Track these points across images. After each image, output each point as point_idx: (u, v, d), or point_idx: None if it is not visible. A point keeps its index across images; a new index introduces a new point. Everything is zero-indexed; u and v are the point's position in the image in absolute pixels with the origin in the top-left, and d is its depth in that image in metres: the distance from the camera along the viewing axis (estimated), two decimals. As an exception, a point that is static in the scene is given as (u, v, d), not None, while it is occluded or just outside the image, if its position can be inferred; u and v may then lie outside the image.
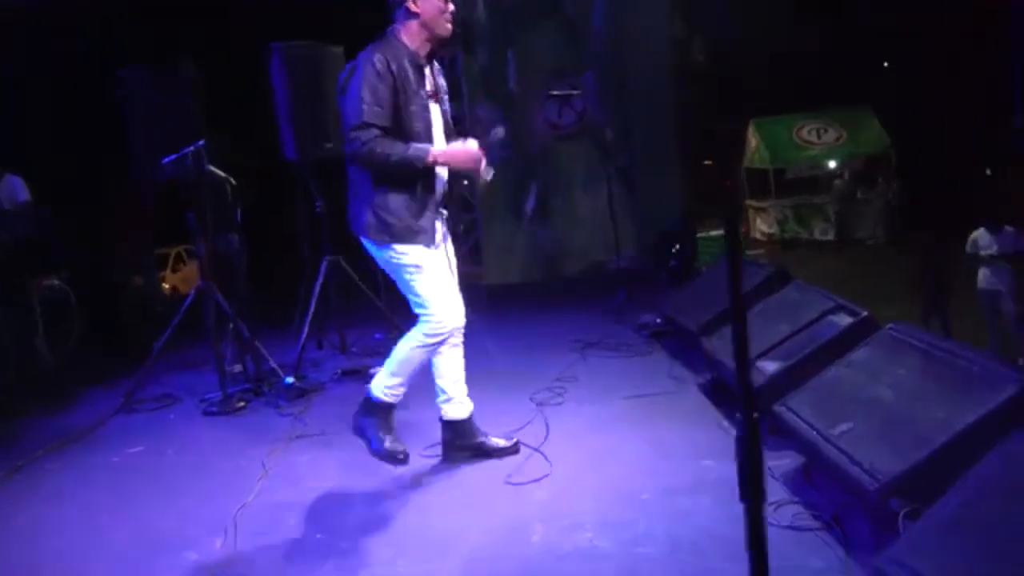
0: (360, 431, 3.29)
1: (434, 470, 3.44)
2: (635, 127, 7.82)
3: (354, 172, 3.17)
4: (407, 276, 3.14)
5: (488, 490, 3.17)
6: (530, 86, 7.90)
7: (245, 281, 4.84)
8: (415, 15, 3.08)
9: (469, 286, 7.45)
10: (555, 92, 7.23)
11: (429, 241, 3.14)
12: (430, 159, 3.06)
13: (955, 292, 7.94)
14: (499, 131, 3.40)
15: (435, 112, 3.19)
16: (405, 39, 3.11)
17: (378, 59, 3.01)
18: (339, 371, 5.05)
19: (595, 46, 7.85)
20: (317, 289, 5.29)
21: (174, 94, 4.88)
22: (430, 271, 3.14)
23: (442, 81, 3.30)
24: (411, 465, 3.33)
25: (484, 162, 3.21)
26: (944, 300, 7.94)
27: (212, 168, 4.51)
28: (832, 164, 19.08)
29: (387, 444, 3.24)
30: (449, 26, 3.15)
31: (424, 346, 3.17)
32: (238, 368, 5.01)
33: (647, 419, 3.73)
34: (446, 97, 3.29)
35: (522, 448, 3.48)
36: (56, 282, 6.11)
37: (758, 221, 19.68)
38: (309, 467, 3.63)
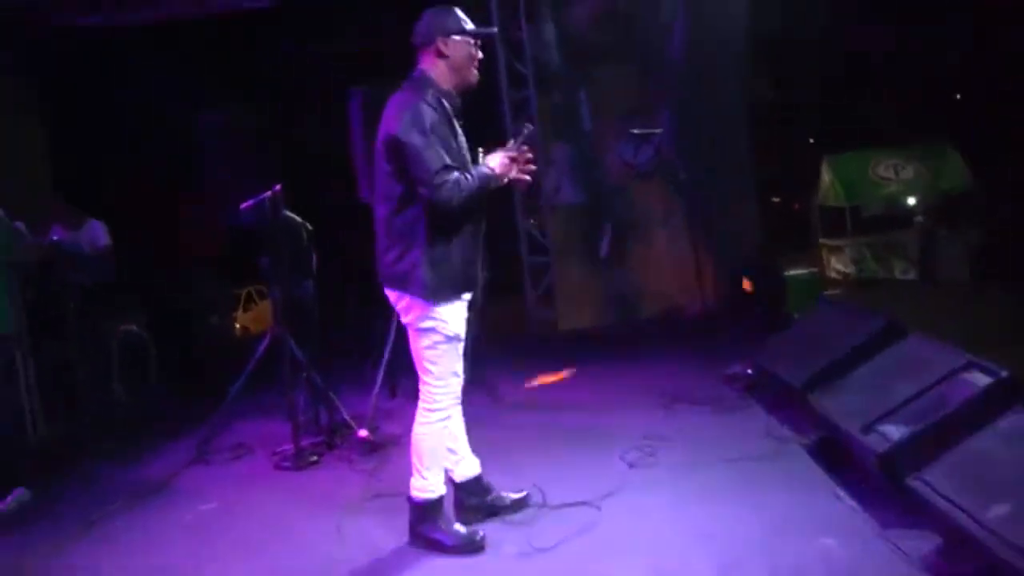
0: (424, 540, 3.17)
1: (510, 537, 3.19)
2: (712, 167, 7.55)
3: (401, 222, 3.02)
4: (433, 343, 3.05)
5: (577, 562, 2.91)
6: (604, 126, 7.73)
7: (319, 327, 4.70)
8: (445, 57, 3.02)
9: (545, 336, 7.36)
10: (635, 131, 7.03)
11: (474, 287, 3.14)
12: (493, 173, 3.04)
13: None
14: (528, 127, 3.30)
15: (467, 153, 3.14)
16: (435, 78, 3.04)
17: (430, 98, 2.96)
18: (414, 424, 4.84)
19: (670, 85, 7.65)
20: (391, 334, 5.14)
21: (252, 138, 4.82)
22: (457, 342, 3.08)
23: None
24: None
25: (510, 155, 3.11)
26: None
27: (289, 213, 4.42)
28: (911, 201, 18.38)
29: (460, 534, 3.15)
30: (476, 75, 3.11)
31: (439, 422, 3.14)
32: (310, 417, 4.87)
33: (752, 486, 3.42)
34: (464, 144, 3.18)
35: (614, 515, 3.22)
36: (134, 327, 6.11)
37: (833, 260, 19.01)
38: (384, 530, 3.43)
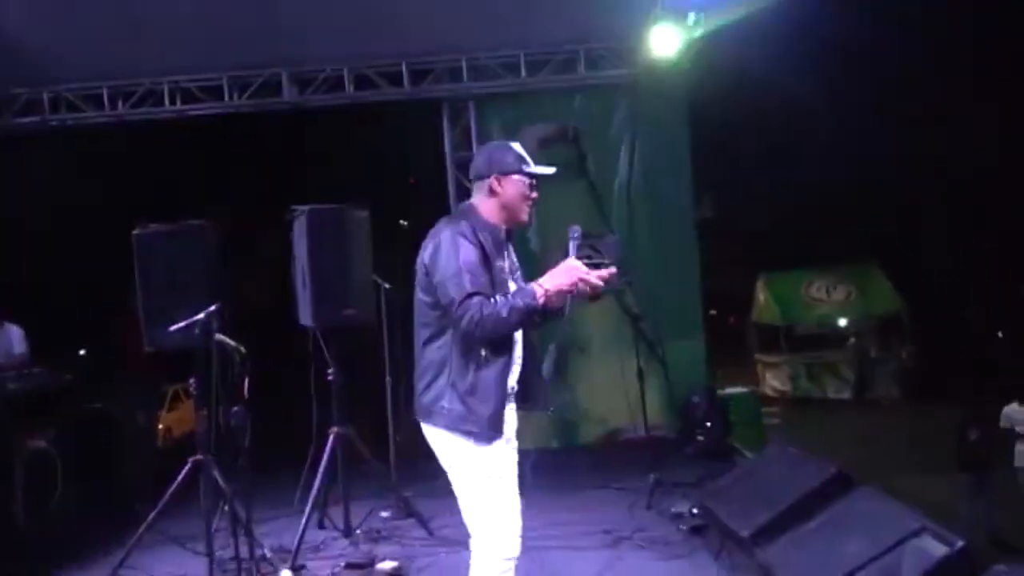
0: None
1: None
2: (660, 290, 7.61)
3: (431, 352, 2.89)
4: (481, 483, 2.83)
5: None
6: (551, 247, 7.77)
7: (247, 455, 4.40)
8: (496, 194, 2.95)
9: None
10: (585, 261, 7.07)
11: (509, 432, 2.92)
12: (540, 294, 2.77)
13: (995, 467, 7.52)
14: (575, 230, 3.05)
15: (511, 287, 2.97)
16: (482, 212, 2.96)
17: (465, 228, 2.85)
18: (342, 563, 4.54)
19: (619, 206, 7.79)
20: (324, 463, 4.88)
21: (190, 256, 4.64)
22: (507, 479, 2.87)
23: (515, 260, 3.13)
24: None
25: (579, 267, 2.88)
26: (986, 477, 7.49)
27: (221, 337, 4.20)
28: (842, 322, 18.96)
29: None
30: (528, 213, 3.03)
31: (505, 570, 2.83)
32: (230, 553, 4.51)
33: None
34: (519, 275, 3.08)
35: None
36: (43, 444, 5.67)
37: (769, 376, 19.33)
38: None
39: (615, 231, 7.73)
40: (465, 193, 7.65)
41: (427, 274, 2.87)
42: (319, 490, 4.90)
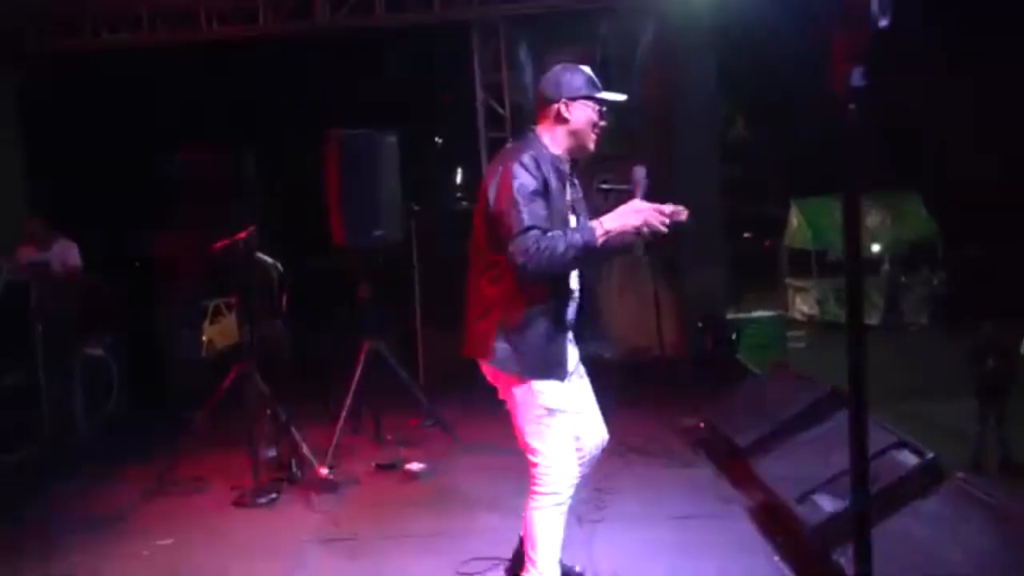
0: None
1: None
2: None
3: (483, 285, 2.83)
4: (535, 418, 2.79)
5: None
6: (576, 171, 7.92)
7: (286, 365, 4.79)
8: (564, 120, 2.83)
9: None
10: (604, 186, 7.21)
11: (564, 373, 2.84)
12: (600, 233, 2.66)
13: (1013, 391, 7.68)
14: (640, 171, 2.93)
15: (572, 224, 2.86)
16: (548, 142, 2.86)
17: (527, 159, 2.72)
18: (373, 464, 4.94)
19: (644, 131, 7.86)
20: (357, 374, 5.25)
21: (232, 178, 4.93)
22: (563, 417, 2.82)
23: (580, 193, 3.03)
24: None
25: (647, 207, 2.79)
26: (1003, 400, 7.66)
27: (261, 255, 4.52)
28: (875, 248, 18.84)
29: None
30: (595, 140, 2.90)
31: (553, 507, 2.83)
32: (272, 453, 4.94)
33: (693, 546, 3.57)
34: (583, 209, 3.01)
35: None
36: (99, 351, 6.14)
37: (798, 300, 19.41)
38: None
39: (638, 156, 7.85)
40: (494, 116, 7.85)
41: (485, 204, 2.76)
42: (352, 399, 5.28)
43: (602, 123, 2.90)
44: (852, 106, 1.74)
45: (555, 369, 2.80)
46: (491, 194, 2.73)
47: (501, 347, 2.77)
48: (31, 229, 6.64)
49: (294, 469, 4.75)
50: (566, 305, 2.86)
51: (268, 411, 4.89)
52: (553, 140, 2.85)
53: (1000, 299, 14.50)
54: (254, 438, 4.69)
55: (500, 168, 2.75)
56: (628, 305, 7.60)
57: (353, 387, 5.24)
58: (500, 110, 7.87)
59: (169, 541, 4.01)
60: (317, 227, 5.28)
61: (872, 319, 18.15)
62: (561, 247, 2.60)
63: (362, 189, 5.00)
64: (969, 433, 7.94)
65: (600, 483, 4.35)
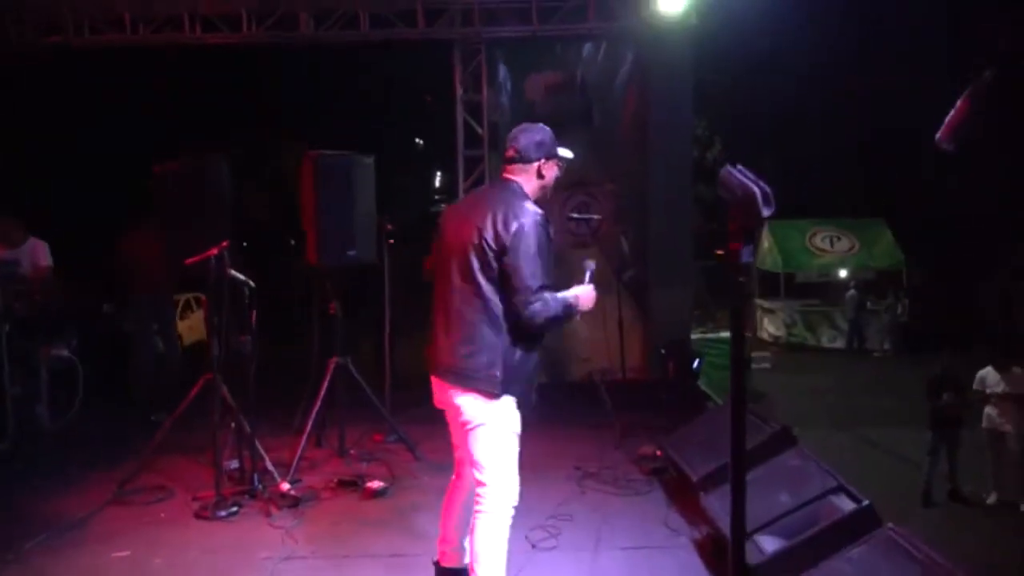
0: None
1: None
2: (651, 240, 7.91)
3: (487, 323, 3.05)
4: (506, 435, 3.11)
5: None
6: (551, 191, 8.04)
7: (252, 382, 4.84)
8: (542, 177, 3.23)
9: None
10: (574, 215, 7.35)
11: (533, 401, 3.22)
12: (578, 307, 3.21)
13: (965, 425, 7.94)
14: (590, 264, 3.45)
15: None
16: (528, 192, 3.20)
17: (543, 220, 3.09)
18: (335, 480, 5.02)
19: (619, 153, 8.01)
20: (323, 389, 5.33)
21: (206, 191, 4.99)
22: (516, 439, 3.16)
23: None
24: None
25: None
26: (955, 433, 7.92)
27: (233, 272, 4.58)
28: (843, 274, 19.22)
29: None
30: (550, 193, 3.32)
31: (507, 515, 3.15)
32: (235, 464, 5.00)
33: (640, 577, 3.70)
34: None
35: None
36: (65, 352, 6.16)
37: (766, 322, 19.74)
38: (296, 596, 3.61)
39: (613, 181, 8.01)
40: (471, 135, 7.95)
41: (497, 249, 3.00)
42: (318, 413, 5.36)
43: (559, 176, 3.31)
44: (742, 279, 2.18)
45: (530, 393, 3.22)
46: (509, 242, 2.99)
47: (503, 375, 3.04)
48: (2, 228, 6.61)
49: (256, 483, 4.81)
50: (539, 337, 3.20)
51: (233, 424, 4.96)
52: (531, 191, 3.22)
53: (960, 329, 14.91)
54: (218, 449, 4.74)
55: (518, 222, 3.01)
56: (593, 327, 7.71)
57: (318, 402, 5.33)
58: (479, 129, 7.97)
59: (126, 553, 4.06)
60: (291, 243, 5.34)
61: (836, 343, 18.55)
62: (560, 312, 3.08)
63: (337, 209, 5.08)
64: (922, 463, 8.22)
65: (555, 509, 4.50)
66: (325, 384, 5.31)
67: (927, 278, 18.52)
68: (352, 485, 4.94)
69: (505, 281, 3.01)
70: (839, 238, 19.42)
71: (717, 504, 3.94)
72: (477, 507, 3.14)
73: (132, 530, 4.36)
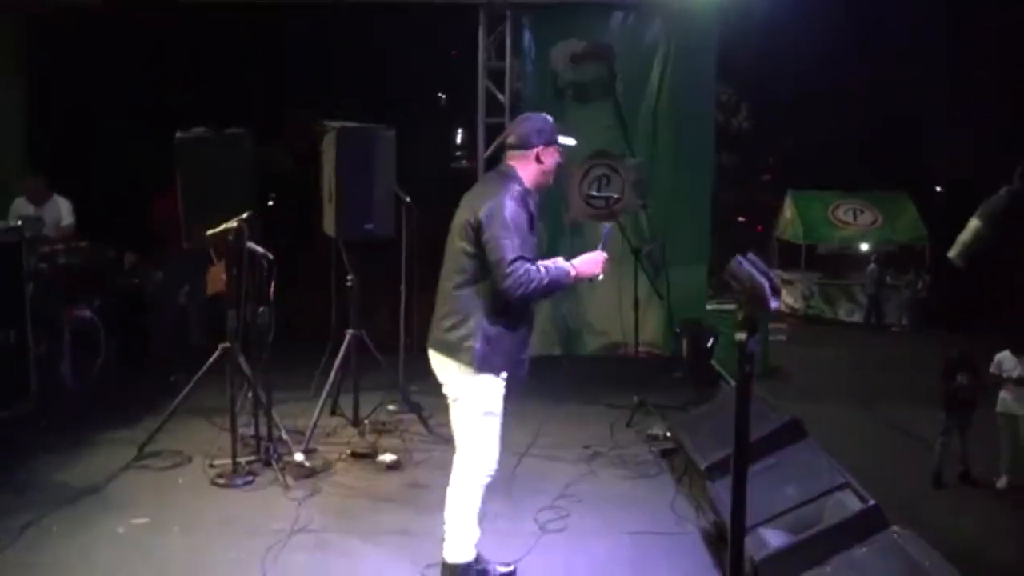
0: None
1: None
2: (673, 216, 7.85)
3: (464, 295, 3.25)
4: (479, 413, 3.26)
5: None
6: (572, 162, 7.97)
7: (269, 352, 4.90)
8: (540, 162, 3.32)
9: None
10: (594, 193, 7.30)
11: (524, 373, 3.34)
12: (573, 273, 3.29)
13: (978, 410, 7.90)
14: (606, 227, 3.61)
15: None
16: (523, 177, 3.31)
17: (517, 194, 3.22)
18: (348, 452, 5.10)
19: (643, 132, 7.91)
20: (339, 361, 5.39)
21: (227, 161, 5.00)
22: (498, 416, 3.29)
23: (537, 215, 3.46)
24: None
25: (605, 257, 3.41)
26: (968, 416, 7.89)
27: (252, 245, 4.62)
28: (865, 247, 19.00)
29: None
30: (553, 179, 3.43)
31: (473, 491, 3.31)
32: (251, 431, 5.09)
33: (646, 563, 3.77)
34: (537, 230, 3.45)
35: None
36: (87, 313, 6.24)
37: (784, 293, 19.61)
38: (305, 568, 3.69)
39: (636, 154, 7.93)
40: (493, 102, 7.86)
41: (475, 229, 3.17)
42: (333, 383, 5.43)
43: (561, 162, 3.42)
44: (747, 367, 2.06)
45: (519, 367, 3.32)
46: (487, 222, 3.15)
47: (481, 349, 3.19)
48: (27, 185, 6.68)
49: (272, 451, 4.90)
50: (532, 316, 3.40)
51: (250, 392, 5.04)
52: (527, 177, 3.33)
53: (979, 309, 14.75)
54: (234, 419, 4.82)
55: (496, 202, 3.18)
56: (610, 301, 7.70)
57: (334, 372, 5.40)
58: (500, 97, 7.87)
59: (144, 520, 4.16)
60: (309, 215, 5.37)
61: (854, 317, 18.41)
62: (545, 280, 3.15)
63: (357, 183, 5.07)
64: (935, 444, 8.20)
65: (565, 490, 4.56)
66: (340, 354, 5.37)
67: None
68: (365, 457, 5.02)
69: (486, 256, 3.15)
70: (862, 211, 19.12)
71: (723, 494, 3.97)
72: (451, 476, 3.35)
73: (151, 496, 4.47)
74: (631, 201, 7.91)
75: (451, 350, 3.26)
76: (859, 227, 19.00)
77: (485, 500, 3.37)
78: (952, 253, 2.40)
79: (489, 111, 7.94)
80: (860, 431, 9.27)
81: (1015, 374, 7.70)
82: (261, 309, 4.76)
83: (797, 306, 19.28)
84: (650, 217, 7.92)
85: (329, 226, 5.19)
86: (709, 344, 7.06)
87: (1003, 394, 7.81)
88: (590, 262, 3.33)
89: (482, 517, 3.38)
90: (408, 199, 5.76)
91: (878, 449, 7.82)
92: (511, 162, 3.34)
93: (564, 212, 8.01)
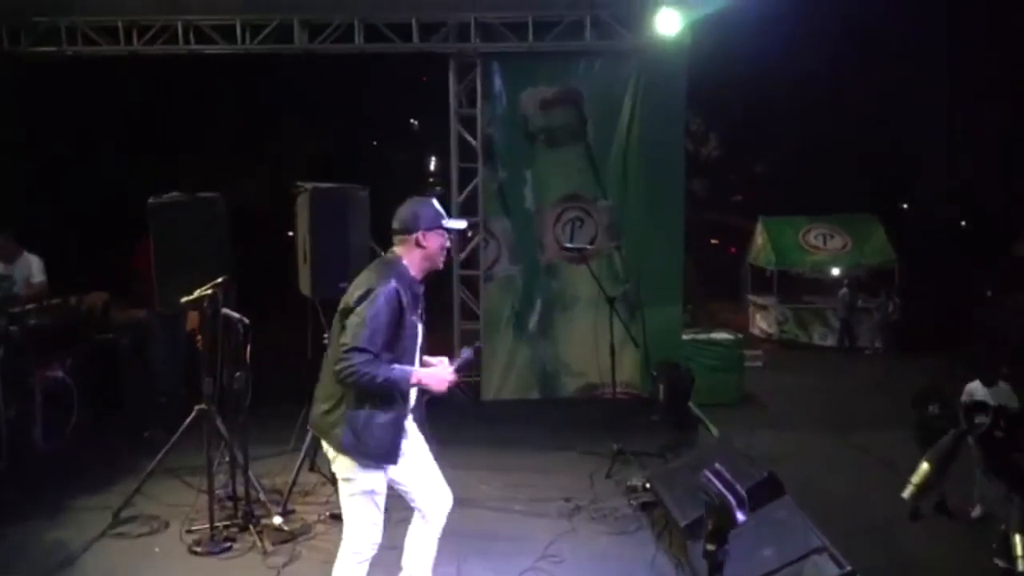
0: None
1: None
2: (645, 256, 7.93)
3: (336, 381, 3.27)
4: (359, 492, 3.34)
5: None
6: (545, 206, 8.06)
7: (246, 414, 4.88)
8: (422, 247, 3.36)
9: (464, 402, 7.62)
10: (568, 245, 7.38)
11: (396, 459, 3.37)
12: (413, 380, 3.30)
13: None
14: (467, 352, 3.59)
15: (420, 329, 3.44)
16: (408, 265, 3.36)
17: (394, 291, 3.22)
18: (328, 513, 5.06)
19: (614, 175, 8.00)
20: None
21: (201, 227, 5.00)
22: (377, 499, 3.36)
23: (423, 304, 3.52)
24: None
25: (452, 379, 3.41)
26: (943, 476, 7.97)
27: (227, 311, 4.61)
28: (836, 271, 19.27)
29: None
30: (443, 260, 3.46)
31: (356, 564, 3.41)
32: (228, 495, 5.04)
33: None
34: (422, 318, 3.49)
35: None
36: (59, 373, 6.18)
37: (758, 318, 19.80)
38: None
39: (608, 197, 8.02)
40: (466, 147, 7.93)
41: (343, 316, 3.25)
42: (311, 442, 5.40)
43: (448, 245, 3.47)
44: None
45: (389, 457, 3.33)
46: (351, 304, 3.23)
47: (347, 438, 3.25)
48: (-7, 239, 6.60)
49: (250, 515, 4.86)
50: (406, 398, 3.38)
51: (227, 456, 5.00)
52: (411, 263, 3.37)
53: (950, 331, 15.00)
54: (211, 484, 4.78)
55: (364, 288, 3.23)
56: (586, 341, 7.76)
57: (311, 432, 5.37)
58: (472, 142, 7.95)
59: (122, 594, 4.11)
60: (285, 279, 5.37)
61: (828, 341, 18.63)
62: (380, 379, 3.17)
63: (331, 242, 5.08)
64: (905, 468, 8.28)
65: (546, 550, 4.56)
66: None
67: (918, 276, 18.60)
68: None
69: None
70: (832, 236, 19.40)
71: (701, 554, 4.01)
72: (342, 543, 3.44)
73: (127, 567, 4.41)
74: (604, 243, 8.00)
75: (324, 433, 3.35)
76: (829, 251, 19.27)
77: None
78: (905, 494, 2.68)
79: (462, 156, 8.01)
80: (835, 458, 9.35)
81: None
82: (238, 374, 4.74)
83: (772, 331, 19.48)
84: (623, 258, 8.01)
85: (305, 286, 5.19)
86: (685, 388, 7.13)
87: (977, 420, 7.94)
88: (436, 377, 3.35)
89: None
90: (383, 253, 5.77)
91: (853, 477, 7.88)
92: (396, 248, 3.40)
93: (539, 254, 8.09)
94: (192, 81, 8.58)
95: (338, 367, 3.14)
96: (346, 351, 3.13)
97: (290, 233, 5.59)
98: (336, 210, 5.15)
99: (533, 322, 8.13)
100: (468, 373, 7.71)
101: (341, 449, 3.27)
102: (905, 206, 19.16)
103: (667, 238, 8.06)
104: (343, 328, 3.23)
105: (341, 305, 3.31)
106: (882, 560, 4.62)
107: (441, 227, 3.39)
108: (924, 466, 2.42)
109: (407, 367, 3.30)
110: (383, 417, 3.27)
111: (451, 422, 7.08)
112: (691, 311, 14.13)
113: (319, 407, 3.37)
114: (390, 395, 3.28)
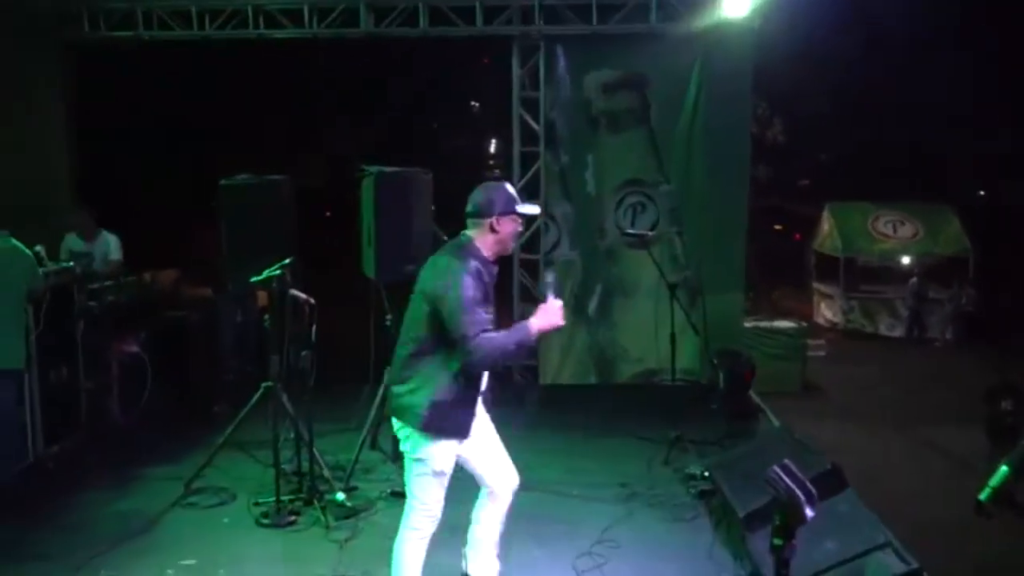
0: None
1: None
2: (707, 243, 7.82)
3: (421, 363, 3.37)
4: (425, 478, 3.43)
5: None
6: (606, 191, 8.01)
7: (312, 391, 5.01)
8: (495, 232, 3.40)
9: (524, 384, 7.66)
10: (629, 231, 7.32)
11: (466, 435, 3.46)
12: (534, 331, 3.33)
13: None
14: (551, 275, 3.72)
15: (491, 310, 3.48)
16: (480, 247, 3.41)
17: (472, 267, 3.32)
18: (389, 491, 5.17)
19: (676, 160, 7.90)
20: (378, 398, 5.48)
21: (272, 208, 5.12)
22: (444, 480, 3.46)
23: (495, 281, 3.53)
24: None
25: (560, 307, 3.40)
26: (1012, 442, 7.72)
27: (294, 292, 4.72)
28: (906, 260, 18.68)
29: None
30: (513, 245, 3.53)
31: (418, 540, 3.50)
32: (294, 470, 5.19)
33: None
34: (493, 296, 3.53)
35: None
36: (134, 347, 6.42)
37: (823, 307, 19.35)
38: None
39: (670, 181, 7.93)
40: (528, 132, 7.92)
41: (431, 303, 3.31)
42: (372, 420, 5.53)
43: (520, 230, 3.54)
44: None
45: (461, 431, 3.43)
46: (441, 295, 3.28)
47: (428, 416, 3.34)
48: (76, 221, 6.88)
49: (314, 490, 4.99)
50: (480, 379, 3.48)
51: (292, 432, 5.15)
52: (484, 246, 3.42)
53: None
54: (277, 459, 4.93)
55: (450, 276, 3.30)
56: (646, 326, 7.69)
57: (374, 408, 5.50)
58: (535, 126, 7.94)
59: (192, 561, 4.29)
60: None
61: (895, 331, 18.10)
62: (510, 346, 3.29)
63: (395, 226, 5.16)
64: (978, 468, 8.02)
65: (602, 535, 4.58)
66: (380, 392, 5.45)
67: (994, 268, 17.92)
68: (405, 496, 5.07)
69: (444, 328, 3.27)
70: (902, 223, 18.78)
71: (762, 545, 3.97)
72: (405, 522, 3.56)
73: (197, 537, 4.59)
74: (666, 229, 7.92)
75: (403, 414, 3.40)
76: (899, 240, 18.67)
77: (430, 552, 3.55)
78: (983, 497, 2.60)
79: (524, 140, 8.01)
80: (899, 452, 9.13)
81: (1059, 400, 7.56)
82: (304, 353, 4.86)
83: (836, 320, 19.02)
84: (685, 243, 7.91)
85: (369, 268, 5.28)
86: (746, 376, 7.03)
87: (1049, 418, 7.66)
88: (547, 317, 3.34)
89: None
90: (446, 237, 5.83)
91: (918, 473, 7.69)
92: (469, 231, 3.44)
93: (599, 239, 8.05)
94: (255, 68, 8.75)
95: (473, 359, 3.24)
96: (471, 340, 3.20)
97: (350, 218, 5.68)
98: (400, 194, 5.23)
99: (592, 307, 8.10)
100: (527, 358, 7.77)
101: (421, 428, 3.34)
102: (982, 192, 18.43)
103: (730, 224, 7.92)
104: (429, 313, 3.31)
105: (425, 288, 3.38)
106: (950, 559, 4.51)
107: (515, 212, 3.42)
108: (1003, 469, 2.34)
109: (522, 324, 3.35)
110: (464, 398, 3.37)
111: (511, 407, 7.20)
112: (752, 298, 13.91)
113: (399, 388, 3.43)
114: (472, 377, 3.37)
